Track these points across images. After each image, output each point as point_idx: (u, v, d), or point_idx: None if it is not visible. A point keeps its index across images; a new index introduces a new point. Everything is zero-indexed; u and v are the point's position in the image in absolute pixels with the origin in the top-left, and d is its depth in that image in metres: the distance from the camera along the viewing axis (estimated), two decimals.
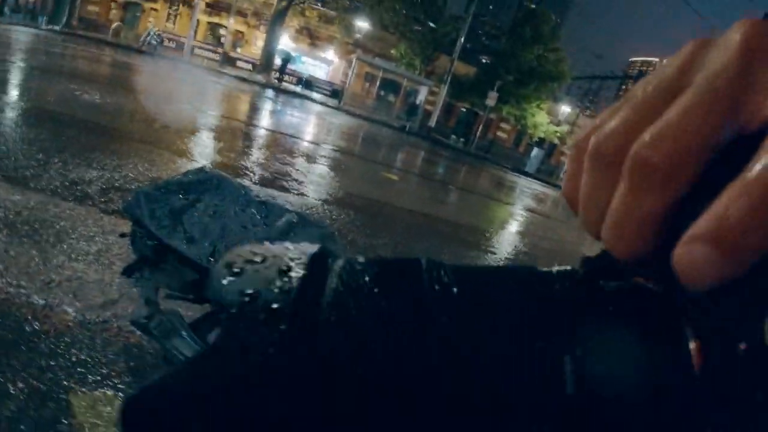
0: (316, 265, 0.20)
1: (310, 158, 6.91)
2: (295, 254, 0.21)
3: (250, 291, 0.20)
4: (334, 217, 4.26)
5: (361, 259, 0.20)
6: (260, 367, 0.17)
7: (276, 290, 0.19)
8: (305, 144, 8.33)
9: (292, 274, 0.20)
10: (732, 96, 0.15)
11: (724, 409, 0.15)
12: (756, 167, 0.14)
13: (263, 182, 4.68)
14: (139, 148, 4.48)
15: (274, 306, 0.18)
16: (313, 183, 5.38)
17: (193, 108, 8.11)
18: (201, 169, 2.39)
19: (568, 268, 0.19)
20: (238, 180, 4.27)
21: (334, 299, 0.18)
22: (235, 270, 0.22)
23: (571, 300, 0.17)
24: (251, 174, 4.86)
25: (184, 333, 1.99)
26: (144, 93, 8.21)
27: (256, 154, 6.02)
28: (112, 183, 3.45)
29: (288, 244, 0.23)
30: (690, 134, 0.15)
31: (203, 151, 5.35)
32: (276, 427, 0.16)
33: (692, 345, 0.15)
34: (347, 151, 9.19)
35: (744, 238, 0.14)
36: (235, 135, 7.01)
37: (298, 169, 5.76)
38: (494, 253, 5.03)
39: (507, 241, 6.05)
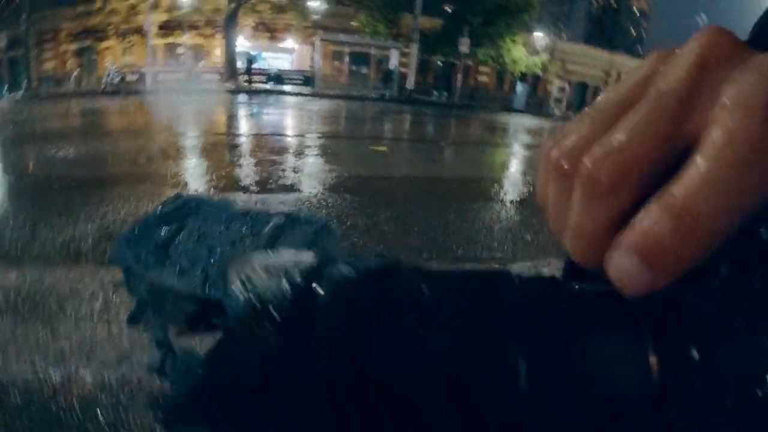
0: (306, 276, 0.21)
1: (297, 152, 6.80)
2: (288, 264, 0.22)
3: (245, 309, 0.20)
4: (330, 204, 4.18)
5: (345, 267, 0.20)
6: (258, 383, 0.18)
7: (268, 307, 0.20)
8: (289, 139, 8.21)
9: (284, 287, 0.20)
10: (677, 113, 0.15)
11: (683, 415, 0.15)
12: (676, 186, 0.15)
13: (255, 188, 4.60)
14: (123, 189, 4.41)
15: (267, 322, 0.19)
16: (305, 175, 5.29)
17: (170, 134, 8.00)
18: (177, 196, 2.32)
19: (541, 272, 0.20)
20: (225, 194, 4.21)
21: (323, 311, 0.19)
22: (235, 290, 0.22)
23: (531, 303, 0.18)
24: (242, 183, 4.78)
25: (200, 369, 1.97)
26: (116, 133, 8.12)
27: (243, 163, 5.92)
28: (102, 233, 3.40)
29: (282, 253, 0.24)
30: (633, 151, 0.16)
31: (189, 174, 5.27)
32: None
33: (651, 354, 0.16)
34: (332, 135, 9.05)
35: (665, 253, 0.14)
36: (217, 150, 6.91)
37: (287, 166, 5.67)
38: (501, 198, 4.93)
39: (509, 184, 5.95)
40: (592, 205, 0.16)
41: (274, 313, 0.19)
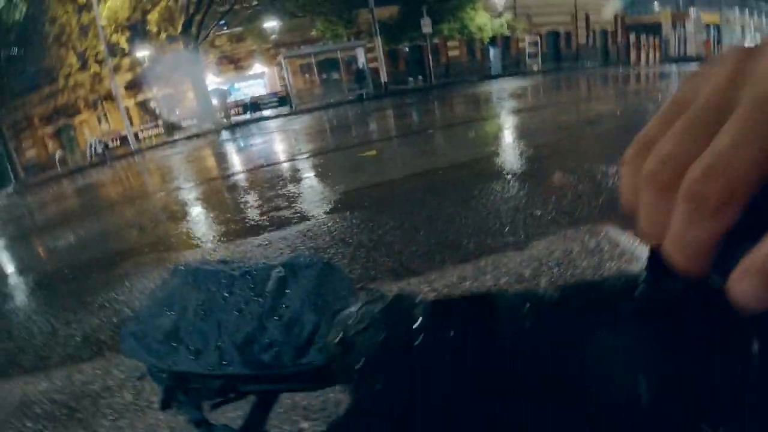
0: (394, 314, 0.23)
1: (290, 179, 6.76)
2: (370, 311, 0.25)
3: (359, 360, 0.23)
4: (332, 228, 4.12)
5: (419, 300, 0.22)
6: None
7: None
8: (280, 166, 8.18)
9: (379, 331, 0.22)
10: None
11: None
12: None
13: (258, 230, 4.56)
14: (130, 266, 4.38)
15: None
16: (302, 203, 5.24)
17: (165, 193, 8.00)
18: (174, 271, 2.28)
19: (634, 274, 0.21)
20: (228, 245, 4.16)
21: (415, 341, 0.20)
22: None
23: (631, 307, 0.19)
24: (245, 228, 4.74)
25: None
26: (111, 205, 8.13)
27: (241, 205, 5.90)
28: (117, 316, 3.37)
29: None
30: (741, 166, 0.15)
31: (192, 232, 5.25)
32: None
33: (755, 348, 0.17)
34: (319, 152, 9.00)
35: None
36: (213, 197, 6.89)
37: (283, 197, 5.62)
38: (501, 175, 4.85)
39: (507, 155, 5.86)
40: (699, 221, 0.16)
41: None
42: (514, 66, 26.18)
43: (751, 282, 0.15)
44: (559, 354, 0.18)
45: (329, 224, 4.22)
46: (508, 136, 7.39)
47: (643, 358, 0.17)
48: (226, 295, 2.02)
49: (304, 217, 4.63)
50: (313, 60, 24.30)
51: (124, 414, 2.33)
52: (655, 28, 24.03)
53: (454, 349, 0.18)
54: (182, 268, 2.06)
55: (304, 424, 1.87)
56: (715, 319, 0.17)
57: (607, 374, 0.17)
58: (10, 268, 5.59)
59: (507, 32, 27.31)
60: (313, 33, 24.66)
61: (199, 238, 4.81)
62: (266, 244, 4.05)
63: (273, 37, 25.31)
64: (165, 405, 1.83)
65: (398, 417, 0.18)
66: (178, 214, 6.18)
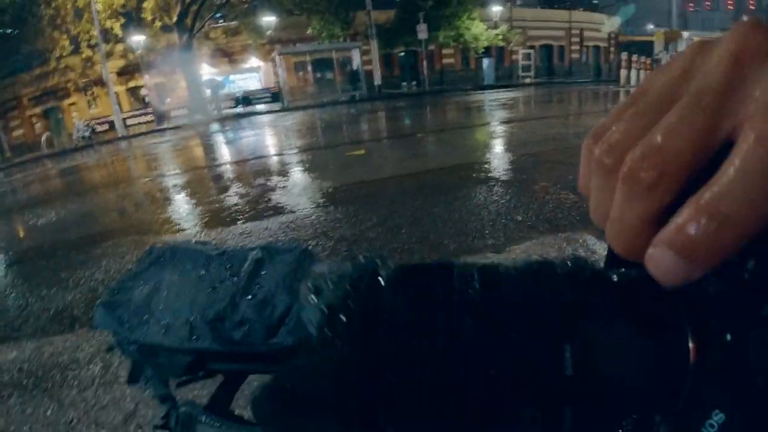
0: (371, 279, 0.22)
1: (276, 172, 6.75)
2: (350, 270, 0.23)
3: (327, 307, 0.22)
4: (315, 221, 4.13)
5: (392, 267, 0.22)
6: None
7: (345, 305, 0.21)
8: (266, 160, 8.15)
9: (352, 289, 0.22)
10: (714, 110, 0.16)
11: (723, 396, 0.17)
12: (711, 188, 0.16)
13: (240, 219, 4.54)
14: (107, 246, 4.35)
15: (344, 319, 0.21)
16: (287, 195, 5.24)
17: (146, 178, 7.93)
18: (150, 250, 2.27)
19: (580, 259, 0.21)
20: (208, 231, 4.16)
21: (385, 311, 0.20)
22: (315, 293, 0.23)
23: (576, 292, 0.19)
24: (227, 216, 4.72)
25: (203, 417, 1.93)
26: (94, 188, 8.04)
27: (225, 194, 5.87)
28: (91, 294, 3.35)
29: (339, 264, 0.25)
30: (672, 151, 0.16)
31: (171, 218, 5.21)
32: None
33: (690, 340, 0.17)
34: (308, 148, 8.99)
35: (699, 250, 0.16)
36: (198, 185, 6.84)
37: (268, 189, 5.62)
38: (487, 180, 4.91)
39: (494, 162, 5.93)
40: (633, 202, 0.17)
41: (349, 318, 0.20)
42: (506, 77, 26.46)
43: (662, 256, 0.16)
44: (514, 327, 0.18)
45: (312, 217, 4.23)
46: (496, 144, 7.47)
47: (590, 341, 0.17)
48: (202, 273, 2.04)
49: (287, 210, 4.64)
50: (308, 58, 24.30)
51: (90, 386, 2.34)
52: (647, 48, 24.47)
53: (418, 315, 0.19)
54: (159, 246, 2.07)
55: None
56: (657, 307, 0.18)
57: (553, 348, 0.17)
58: None
59: (502, 43, 27.61)
60: (310, 31, 24.64)
61: (179, 225, 4.79)
62: (247, 233, 4.05)
63: (269, 33, 25.23)
64: (132, 379, 1.82)
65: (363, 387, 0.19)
66: (160, 200, 6.13)
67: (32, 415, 2.20)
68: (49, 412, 2.20)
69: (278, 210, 4.65)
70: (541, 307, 0.19)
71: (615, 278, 0.19)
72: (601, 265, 0.22)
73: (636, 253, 0.18)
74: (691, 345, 0.17)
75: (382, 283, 0.21)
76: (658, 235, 0.16)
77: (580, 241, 3.27)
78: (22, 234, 5.70)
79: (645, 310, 0.18)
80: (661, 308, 0.18)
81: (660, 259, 0.16)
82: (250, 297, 1.93)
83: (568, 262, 0.20)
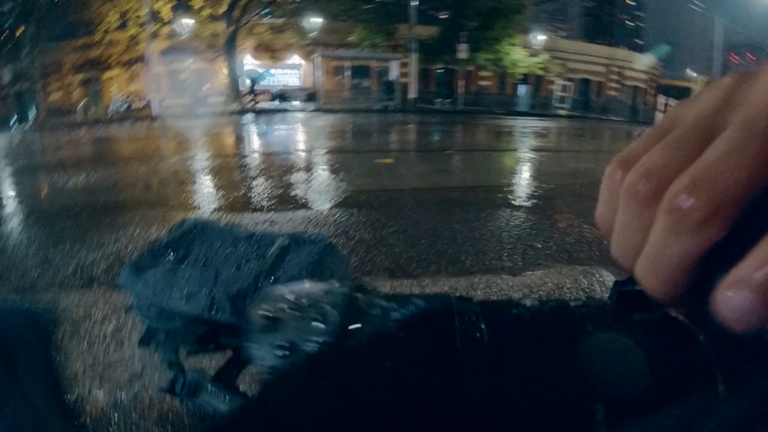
0: (349, 310, 0.20)
1: (305, 168, 6.84)
2: (322, 296, 0.21)
3: (286, 344, 0.20)
4: (338, 220, 4.18)
5: (384, 302, 0.19)
6: (314, 418, 0.17)
7: (313, 341, 0.19)
8: (296, 156, 8.26)
9: (325, 321, 0.20)
10: None
11: None
12: None
13: (265, 208, 4.62)
14: (133, 215, 4.46)
15: (317, 357, 0.19)
16: (313, 192, 5.31)
17: (178, 158, 8.09)
18: (182, 222, 2.34)
19: (597, 299, 0.19)
20: (233, 214, 4.23)
21: (371, 348, 0.18)
22: (268, 321, 0.21)
23: (600, 338, 0.17)
24: (251, 204, 4.81)
25: (209, 386, 1.99)
26: (125, 160, 8.23)
27: (252, 182, 5.97)
28: (113, 257, 3.43)
29: (310, 285, 0.23)
30: (729, 179, 0.15)
31: (198, 198, 5.32)
32: None
33: (721, 387, 0.16)
34: (338, 150, 9.09)
35: None
36: (226, 171, 6.97)
37: (295, 184, 5.70)
38: (510, 204, 4.91)
39: (517, 190, 5.91)
40: (680, 236, 0.15)
41: (323, 356, 0.19)
42: (541, 106, 26.36)
43: (742, 298, 0.14)
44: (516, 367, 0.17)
45: (335, 216, 4.29)
46: (523, 171, 7.45)
47: (597, 383, 0.16)
48: (229, 251, 2.11)
49: (311, 205, 4.70)
50: (347, 64, 24.56)
51: (101, 343, 2.39)
52: (685, 93, 24.20)
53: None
54: (192, 220, 2.16)
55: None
56: (681, 350, 0.17)
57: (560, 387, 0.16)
58: (16, 197, 5.67)
59: (540, 72, 27.58)
60: (352, 38, 24.97)
61: (205, 206, 4.88)
62: (271, 222, 4.12)
63: (312, 34, 25.64)
64: (144, 342, 1.90)
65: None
66: (189, 180, 6.26)
67: None
68: (54, 362, 2.27)
69: (303, 204, 4.72)
70: (565, 363, 0.17)
71: (640, 319, 0.18)
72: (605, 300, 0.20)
73: (675, 293, 0.16)
74: (721, 390, 0.15)
75: (363, 318, 0.19)
76: (733, 275, 0.14)
77: (597, 276, 3.25)
78: (50, 192, 5.86)
79: (679, 360, 0.16)
80: (694, 357, 0.16)
81: (738, 302, 0.14)
82: (272, 280, 1.99)
83: (585, 303, 0.19)
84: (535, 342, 0.17)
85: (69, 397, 2.13)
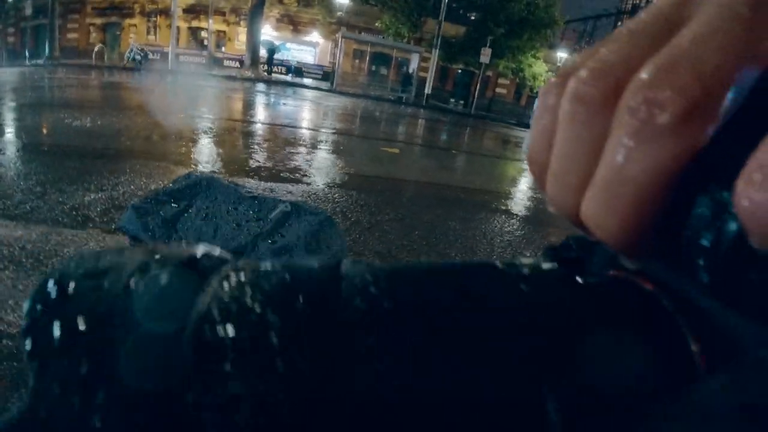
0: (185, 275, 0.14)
1: (310, 145, 6.86)
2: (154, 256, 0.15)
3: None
4: (337, 199, 4.23)
5: (261, 265, 0.15)
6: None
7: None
8: (303, 132, 8.28)
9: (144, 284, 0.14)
10: (757, 24, 0.11)
11: (740, 411, 0.12)
12: None
13: (265, 175, 4.66)
14: (136, 164, 4.48)
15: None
16: (315, 168, 5.35)
17: (186, 115, 8.09)
18: (189, 175, 2.37)
19: (534, 262, 0.15)
20: (234, 178, 4.26)
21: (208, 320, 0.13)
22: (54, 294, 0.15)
23: (551, 305, 0.14)
24: (252, 170, 4.84)
25: None
26: (134, 109, 8.22)
27: (256, 150, 5.99)
28: (111, 202, 3.46)
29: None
30: (708, 64, 0.11)
31: (201, 156, 5.34)
32: None
33: (693, 346, 0.13)
34: (346, 132, 9.11)
35: None
36: (231, 135, 6.98)
37: (298, 158, 5.73)
38: (506, 211, 4.97)
39: (515, 199, 5.97)
40: (646, 148, 0.12)
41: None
42: None
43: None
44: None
45: (335, 195, 4.33)
46: (523, 181, 7.51)
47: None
48: (231, 208, 2.19)
49: (313, 181, 4.74)
50: (368, 49, 24.45)
51: None
52: None
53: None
54: (199, 173, 2.23)
55: None
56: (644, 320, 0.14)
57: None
58: (19, 129, 5.67)
59: None
60: (377, 24, 24.85)
61: (208, 165, 4.91)
62: (270, 191, 4.16)
63: (339, 13, 25.51)
64: None
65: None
66: (195, 138, 6.27)
67: (22, 292, 2.26)
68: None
69: (304, 179, 4.76)
70: (494, 340, 0.13)
71: (590, 282, 0.15)
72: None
73: (638, 235, 0.13)
74: (697, 356, 0.13)
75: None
76: (748, 170, 0.11)
77: None
78: (55, 130, 5.86)
79: (638, 318, 0.14)
80: (657, 314, 0.14)
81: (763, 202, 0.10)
82: (270, 242, 2.03)
83: (526, 264, 0.16)
84: (451, 313, 0.13)
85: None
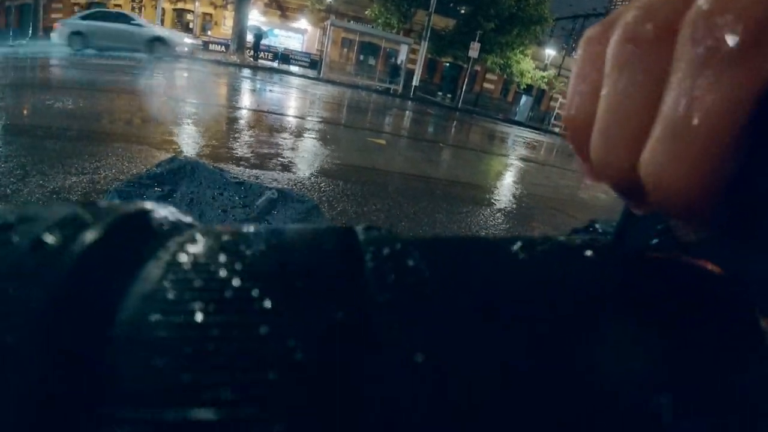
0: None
1: (296, 133, 6.79)
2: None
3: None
4: (323, 189, 4.20)
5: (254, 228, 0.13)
6: None
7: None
8: (289, 119, 8.19)
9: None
10: None
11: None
12: None
13: (249, 163, 4.59)
14: (118, 147, 4.38)
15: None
16: (301, 158, 5.30)
17: (169, 98, 7.93)
18: (173, 158, 2.32)
19: (590, 239, 0.14)
20: (218, 164, 4.20)
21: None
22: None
23: (611, 283, 0.13)
24: (236, 157, 4.77)
25: None
26: (115, 91, 8.02)
27: (240, 137, 5.90)
28: (92, 186, 3.38)
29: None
30: None
31: (184, 141, 5.25)
32: None
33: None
34: (332, 121, 9.04)
35: None
36: (215, 120, 6.87)
37: (284, 146, 5.67)
38: (491, 205, 4.99)
39: (503, 191, 6.01)
40: (718, 78, 0.10)
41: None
42: (538, 120, 26.60)
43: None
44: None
45: (321, 184, 4.30)
46: (509, 177, 7.56)
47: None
48: (216, 194, 2.15)
49: (298, 170, 4.70)
50: (357, 38, 24.28)
51: None
52: None
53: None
54: (183, 157, 2.20)
55: None
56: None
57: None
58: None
59: (544, 87, 27.78)
60: (367, 13, 24.66)
61: (186, 149, 4.82)
62: (255, 178, 4.11)
63: (328, 1, 25.23)
64: None
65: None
66: (177, 123, 6.16)
67: None
68: None
69: (289, 167, 4.71)
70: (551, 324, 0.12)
71: (657, 261, 0.13)
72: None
73: (711, 183, 0.11)
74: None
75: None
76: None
77: None
78: (35, 111, 5.70)
79: (708, 301, 0.12)
80: (728, 297, 0.12)
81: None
82: None
83: (578, 241, 0.14)
84: (495, 286, 0.12)
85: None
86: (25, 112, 5.61)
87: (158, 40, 15.56)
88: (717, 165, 0.10)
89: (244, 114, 8.06)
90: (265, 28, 24.22)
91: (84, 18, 15.43)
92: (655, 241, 0.15)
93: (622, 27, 0.12)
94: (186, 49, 16.21)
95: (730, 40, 0.10)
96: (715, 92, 0.10)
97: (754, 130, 0.10)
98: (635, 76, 0.12)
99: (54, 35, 15.16)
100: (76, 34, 14.81)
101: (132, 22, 15.76)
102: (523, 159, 9.91)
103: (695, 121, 0.10)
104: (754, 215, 0.11)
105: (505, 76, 27.09)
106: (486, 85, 30.11)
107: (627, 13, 0.12)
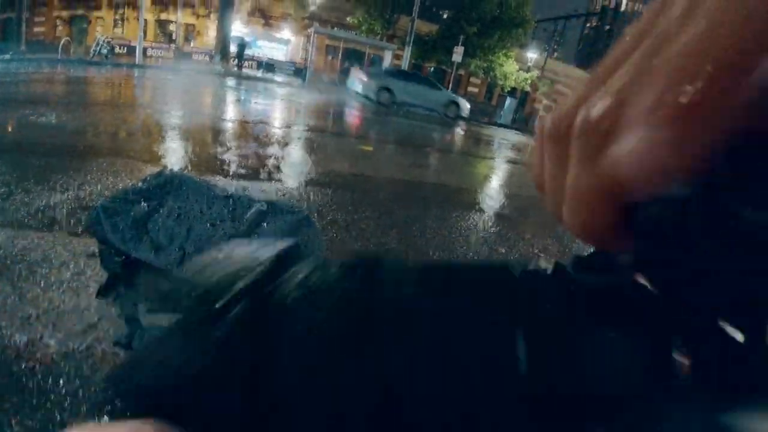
0: (276, 262, 0.18)
1: (282, 143, 6.78)
2: (258, 253, 0.19)
3: (201, 291, 0.18)
4: (312, 198, 4.19)
5: (325, 260, 0.18)
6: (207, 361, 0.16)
7: (225, 289, 0.17)
8: (275, 129, 8.17)
9: (247, 273, 0.18)
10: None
11: (715, 414, 0.12)
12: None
13: (237, 175, 4.58)
14: (103, 162, 4.34)
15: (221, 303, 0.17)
16: (288, 167, 5.29)
17: (153, 110, 7.88)
18: (160, 173, 2.30)
19: (544, 265, 0.17)
20: (205, 177, 4.18)
21: (286, 299, 0.16)
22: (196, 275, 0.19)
23: (532, 298, 0.15)
24: (223, 169, 4.75)
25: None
26: (100, 105, 7.96)
27: (226, 148, 5.88)
28: (78, 203, 3.34)
29: (255, 243, 0.21)
30: (730, 40, 0.11)
31: (170, 153, 5.21)
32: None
33: (679, 354, 0.13)
34: (319, 130, 9.04)
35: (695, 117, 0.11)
36: (201, 131, 6.83)
37: (271, 156, 5.65)
38: (480, 210, 5.01)
39: (489, 196, 6.04)
40: (588, 162, 0.14)
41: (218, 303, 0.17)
42: (522, 122, 26.81)
43: (651, 138, 0.12)
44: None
45: (310, 194, 4.29)
46: (496, 180, 7.61)
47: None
48: (205, 208, 2.12)
49: (287, 179, 4.69)
50: (341, 45, 24.33)
51: (56, 288, 2.33)
52: None
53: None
54: (170, 172, 2.14)
55: None
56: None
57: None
58: None
59: (528, 89, 28.03)
60: (350, 20, 24.75)
61: (173, 163, 4.79)
62: (243, 190, 4.09)
63: (312, 8, 25.26)
64: (102, 293, 1.85)
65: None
66: (162, 135, 6.12)
67: None
68: (7, 302, 2.19)
69: (278, 177, 4.70)
70: (491, 308, 0.15)
71: (589, 282, 0.15)
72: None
73: (596, 231, 0.15)
74: (681, 361, 0.13)
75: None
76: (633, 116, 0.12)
77: None
78: (19, 127, 5.63)
79: (623, 318, 0.14)
80: (649, 318, 0.14)
81: (650, 141, 0.12)
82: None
83: (525, 265, 0.17)
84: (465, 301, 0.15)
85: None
86: (8, 128, 5.54)
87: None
88: (597, 219, 0.14)
89: (230, 124, 8.03)
90: (248, 39, 24.19)
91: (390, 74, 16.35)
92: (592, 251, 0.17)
93: (545, 126, 0.17)
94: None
95: (592, 142, 0.14)
96: (586, 178, 0.14)
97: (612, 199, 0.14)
98: (554, 158, 0.16)
99: (356, 84, 16.33)
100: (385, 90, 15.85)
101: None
102: (510, 161, 9.98)
103: (578, 198, 0.15)
104: (666, 238, 0.13)
105: (488, 80, 27.33)
106: (470, 88, 30.33)
107: (554, 112, 0.16)
